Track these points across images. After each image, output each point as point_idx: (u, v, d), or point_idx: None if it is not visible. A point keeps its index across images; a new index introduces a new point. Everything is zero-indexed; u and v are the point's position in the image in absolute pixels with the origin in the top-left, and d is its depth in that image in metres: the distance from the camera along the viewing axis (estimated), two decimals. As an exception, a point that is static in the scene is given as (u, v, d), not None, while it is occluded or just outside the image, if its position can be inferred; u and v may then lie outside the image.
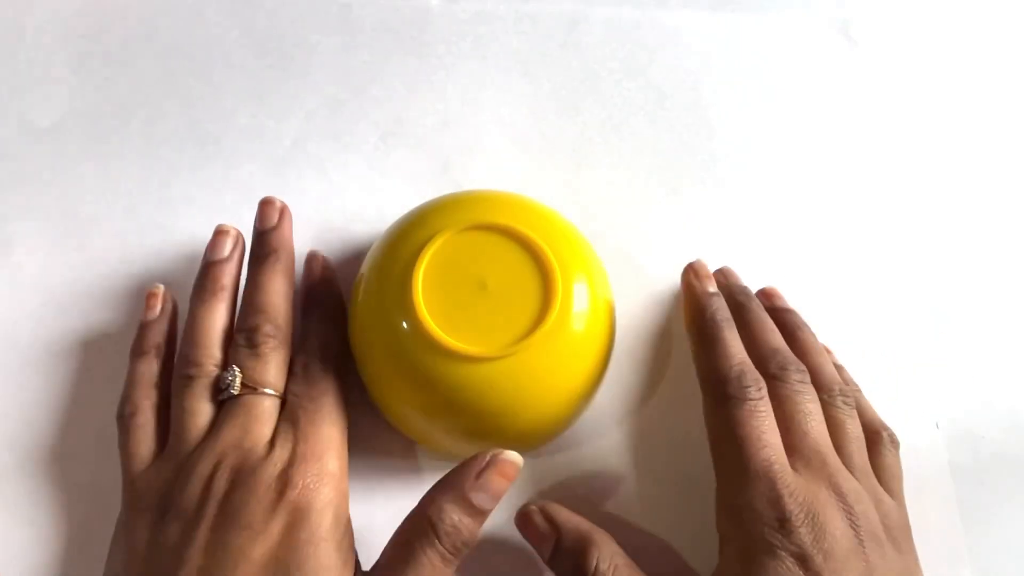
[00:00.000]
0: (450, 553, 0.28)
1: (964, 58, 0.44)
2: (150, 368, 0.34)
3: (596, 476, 0.35)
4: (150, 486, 0.30)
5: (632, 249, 0.39)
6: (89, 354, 0.37)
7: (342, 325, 0.35)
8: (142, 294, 0.36)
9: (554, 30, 0.44)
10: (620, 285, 0.37)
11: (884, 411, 0.35)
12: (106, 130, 0.41)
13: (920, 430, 0.37)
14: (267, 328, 0.33)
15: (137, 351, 0.34)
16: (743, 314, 0.35)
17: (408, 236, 0.33)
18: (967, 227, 0.41)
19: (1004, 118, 0.43)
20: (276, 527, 0.28)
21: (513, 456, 0.29)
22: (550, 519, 0.32)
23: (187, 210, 0.39)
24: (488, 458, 0.29)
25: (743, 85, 0.43)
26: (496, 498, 0.29)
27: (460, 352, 0.30)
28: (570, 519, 0.32)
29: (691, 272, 0.37)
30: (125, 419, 0.32)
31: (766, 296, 0.38)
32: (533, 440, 0.35)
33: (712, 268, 0.39)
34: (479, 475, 0.29)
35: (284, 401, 0.32)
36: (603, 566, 0.30)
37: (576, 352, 0.32)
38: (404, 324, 0.31)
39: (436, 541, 0.28)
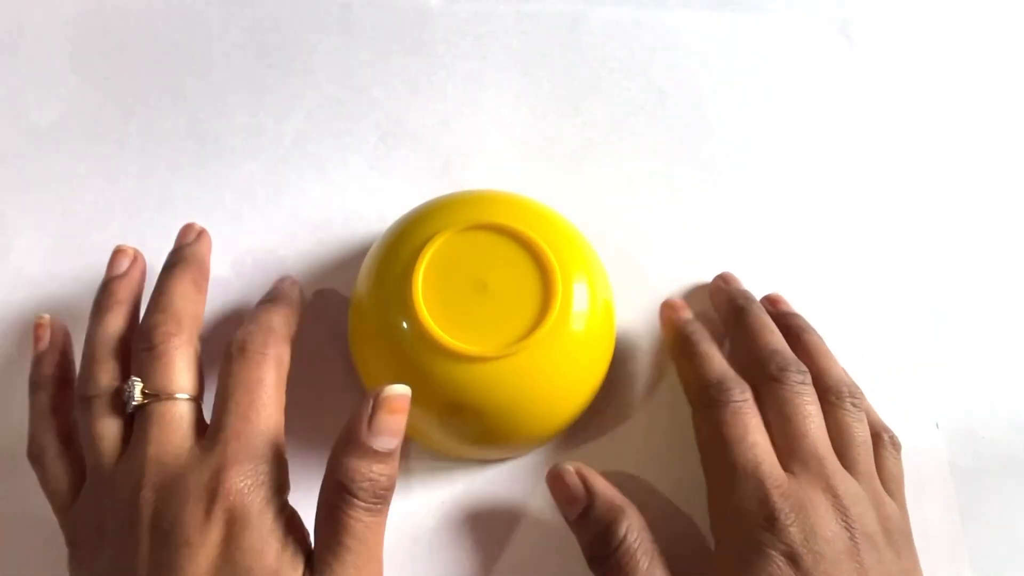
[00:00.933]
0: (375, 505, 0.27)
1: (964, 58, 0.44)
2: (47, 400, 0.32)
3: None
4: (80, 521, 0.29)
5: (632, 249, 0.39)
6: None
7: (295, 314, 0.33)
8: (142, 295, 0.36)
9: (554, 30, 0.44)
10: (620, 285, 0.37)
11: (884, 411, 0.35)
12: (106, 130, 0.41)
13: (920, 430, 0.37)
14: (167, 327, 0.30)
15: (32, 386, 0.32)
16: (743, 317, 0.35)
17: (408, 236, 0.33)
18: (967, 227, 0.41)
19: (1003, 118, 0.43)
20: (214, 538, 0.26)
21: (397, 389, 0.28)
22: (585, 482, 0.32)
23: (187, 210, 0.39)
24: (372, 401, 0.27)
25: (743, 85, 0.43)
26: (397, 434, 0.28)
27: (460, 352, 0.30)
28: (605, 487, 0.32)
29: (666, 307, 0.37)
30: (34, 459, 0.31)
31: (770, 302, 0.38)
32: (533, 440, 0.35)
33: (712, 269, 0.39)
34: (371, 421, 0.27)
35: (198, 400, 0.30)
36: (631, 537, 0.30)
37: (576, 352, 0.32)
38: (404, 324, 0.31)
39: (356, 501, 0.27)
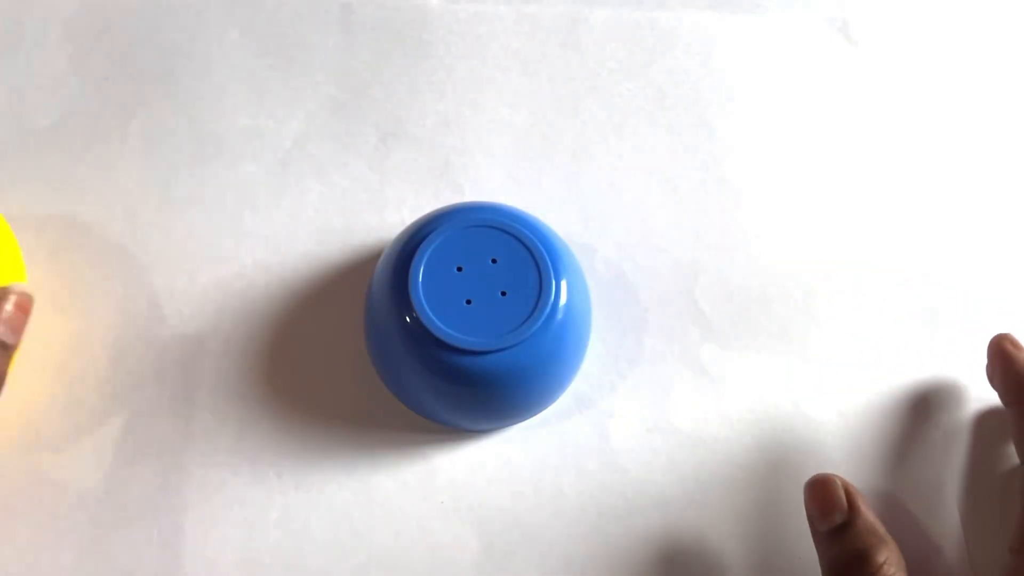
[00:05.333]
0: None
1: (964, 58, 0.44)
2: None
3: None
4: None
5: (632, 249, 0.39)
6: (88, 356, 0.37)
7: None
8: (142, 297, 0.36)
9: (554, 30, 0.44)
10: (620, 285, 0.37)
11: (884, 411, 0.35)
12: (106, 130, 0.41)
13: (920, 430, 0.37)
14: None
15: None
16: None
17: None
18: (968, 227, 0.41)
19: (1004, 117, 0.43)
20: None
21: (26, 289, 0.30)
22: (848, 497, 0.31)
23: (187, 211, 0.39)
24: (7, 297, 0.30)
25: (743, 85, 0.43)
26: (17, 332, 0.30)
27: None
28: (869, 509, 0.31)
29: (1007, 342, 0.34)
30: None
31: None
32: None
33: (712, 268, 0.39)
34: None
35: None
36: (889, 570, 0.29)
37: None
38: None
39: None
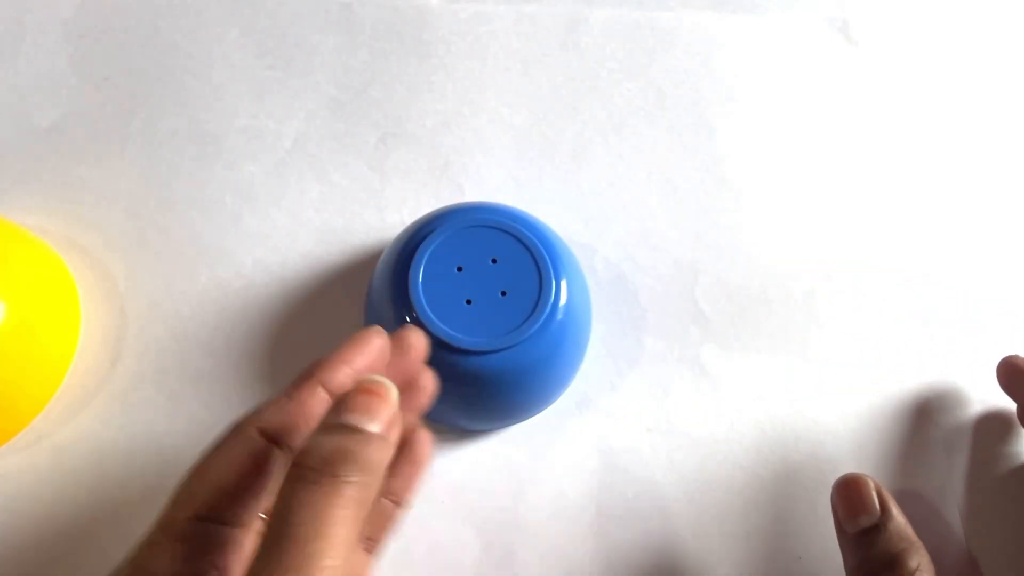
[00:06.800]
0: None
1: (964, 58, 0.44)
2: None
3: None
4: None
5: (632, 249, 0.39)
6: (88, 356, 0.37)
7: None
8: (142, 297, 0.36)
9: (554, 30, 0.44)
10: (620, 285, 0.37)
11: (884, 411, 0.35)
12: (106, 130, 0.41)
13: (920, 430, 0.37)
14: None
15: None
16: None
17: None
18: (967, 227, 0.41)
19: (1004, 117, 0.43)
20: None
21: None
22: (881, 500, 0.30)
23: (187, 211, 0.39)
24: None
25: (743, 85, 0.43)
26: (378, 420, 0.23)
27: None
28: (900, 513, 0.30)
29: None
30: None
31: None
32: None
33: (712, 268, 0.39)
34: None
35: None
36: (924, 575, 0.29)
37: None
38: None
39: None
